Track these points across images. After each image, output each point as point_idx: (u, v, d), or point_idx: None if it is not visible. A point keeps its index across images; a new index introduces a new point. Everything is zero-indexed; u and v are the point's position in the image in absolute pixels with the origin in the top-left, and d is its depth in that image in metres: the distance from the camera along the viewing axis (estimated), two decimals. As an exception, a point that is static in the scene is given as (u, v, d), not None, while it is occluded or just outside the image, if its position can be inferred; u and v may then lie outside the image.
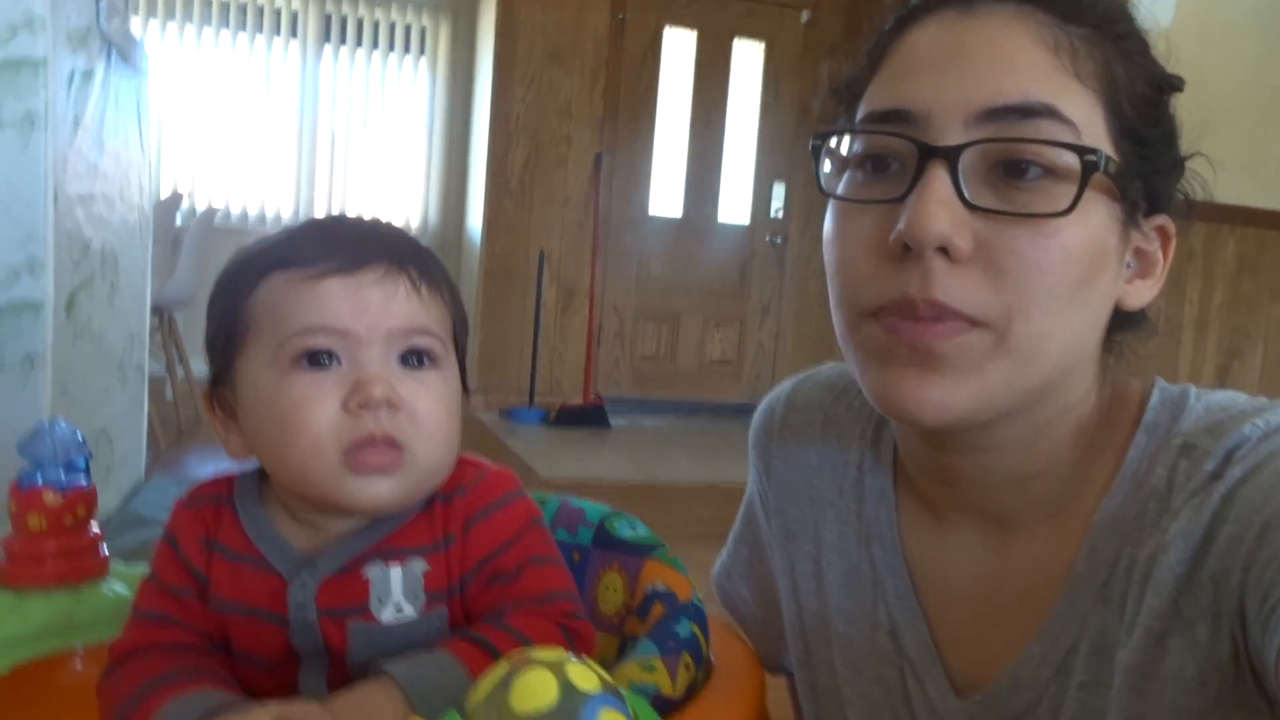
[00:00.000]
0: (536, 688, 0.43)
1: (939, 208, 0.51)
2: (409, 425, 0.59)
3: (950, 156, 0.52)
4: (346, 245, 0.61)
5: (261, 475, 0.65)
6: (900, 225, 0.52)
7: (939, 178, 0.52)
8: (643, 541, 0.77)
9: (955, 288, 0.52)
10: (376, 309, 0.59)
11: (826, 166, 0.60)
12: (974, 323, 0.53)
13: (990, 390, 0.54)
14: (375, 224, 0.65)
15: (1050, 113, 0.52)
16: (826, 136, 0.60)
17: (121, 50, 2.23)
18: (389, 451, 0.58)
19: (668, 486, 3.67)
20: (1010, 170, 0.52)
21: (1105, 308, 0.57)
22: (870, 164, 0.57)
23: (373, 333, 0.59)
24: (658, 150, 5.33)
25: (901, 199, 0.53)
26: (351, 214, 0.68)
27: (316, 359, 0.59)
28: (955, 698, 0.64)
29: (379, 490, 0.59)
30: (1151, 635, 0.53)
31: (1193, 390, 0.60)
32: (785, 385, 0.80)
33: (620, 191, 5.28)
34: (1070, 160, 0.52)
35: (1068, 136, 0.52)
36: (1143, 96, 0.56)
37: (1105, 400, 0.61)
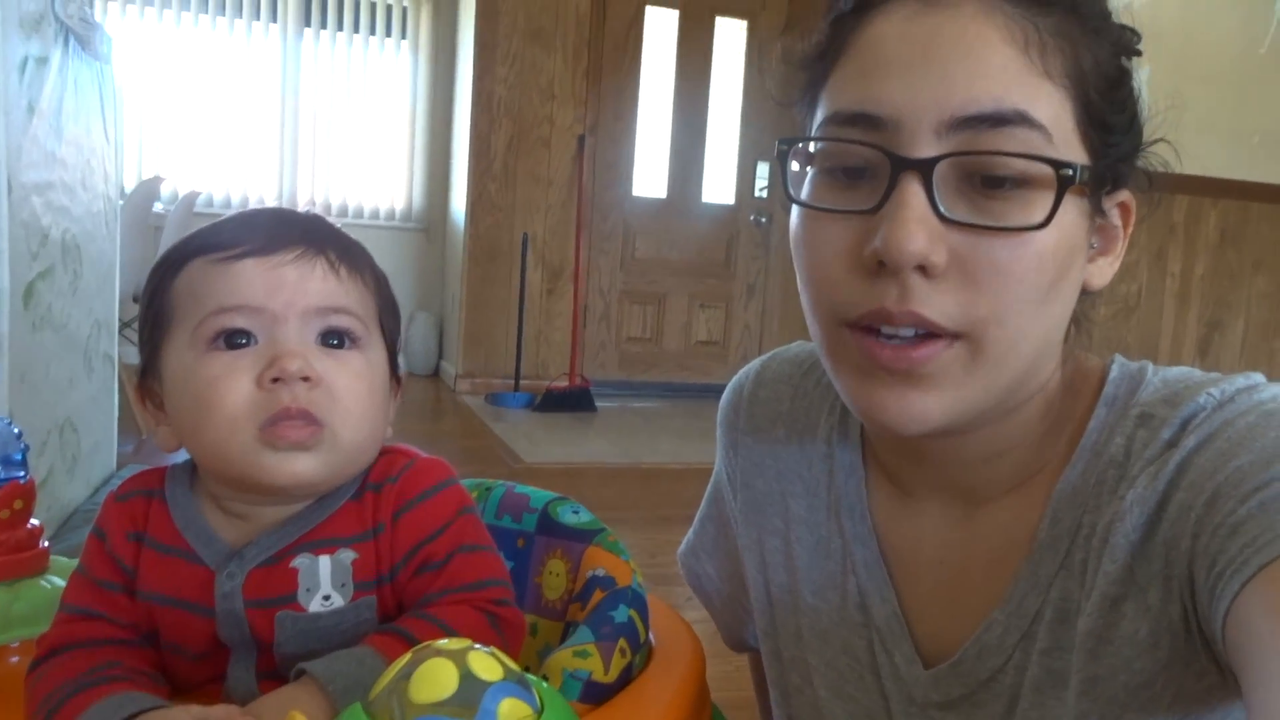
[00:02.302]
0: (437, 677, 0.43)
1: (916, 226, 0.51)
2: (327, 401, 0.59)
3: (924, 170, 0.52)
4: (263, 228, 0.62)
5: (193, 468, 0.65)
6: (877, 243, 0.52)
7: (913, 192, 0.52)
8: (585, 527, 0.76)
9: (932, 301, 0.52)
10: (292, 286, 0.60)
11: (794, 167, 0.59)
12: (951, 337, 0.53)
13: (968, 398, 0.55)
14: (298, 213, 0.65)
15: (1022, 119, 0.51)
16: (794, 143, 0.59)
17: (80, 36, 2.20)
18: (306, 426, 0.58)
19: (652, 469, 3.68)
20: (986, 181, 0.52)
21: (1074, 295, 0.57)
22: (840, 170, 0.56)
23: (288, 309, 0.59)
24: (641, 130, 5.30)
25: (874, 210, 0.53)
26: (283, 206, 0.68)
27: (233, 339, 0.59)
28: (922, 667, 0.64)
29: (298, 467, 0.58)
30: (1107, 600, 0.54)
31: (1150, 366, 0.61)
32: (755, 363, 0.81)
33: (604, 172, 5.25)
34: (1044, 169, 0.52)
35: (1039, 141, 0.52)
36: (1108, 80, 0.55)
37: (1068, 376, 0.62)
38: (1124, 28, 0.58)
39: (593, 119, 5.18)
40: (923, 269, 0.52)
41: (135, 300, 3.67)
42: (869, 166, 0.54)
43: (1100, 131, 0.55)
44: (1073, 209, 0.54)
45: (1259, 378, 0.56)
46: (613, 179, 5.28)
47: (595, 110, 5.18)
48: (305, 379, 0.58)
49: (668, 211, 5.39)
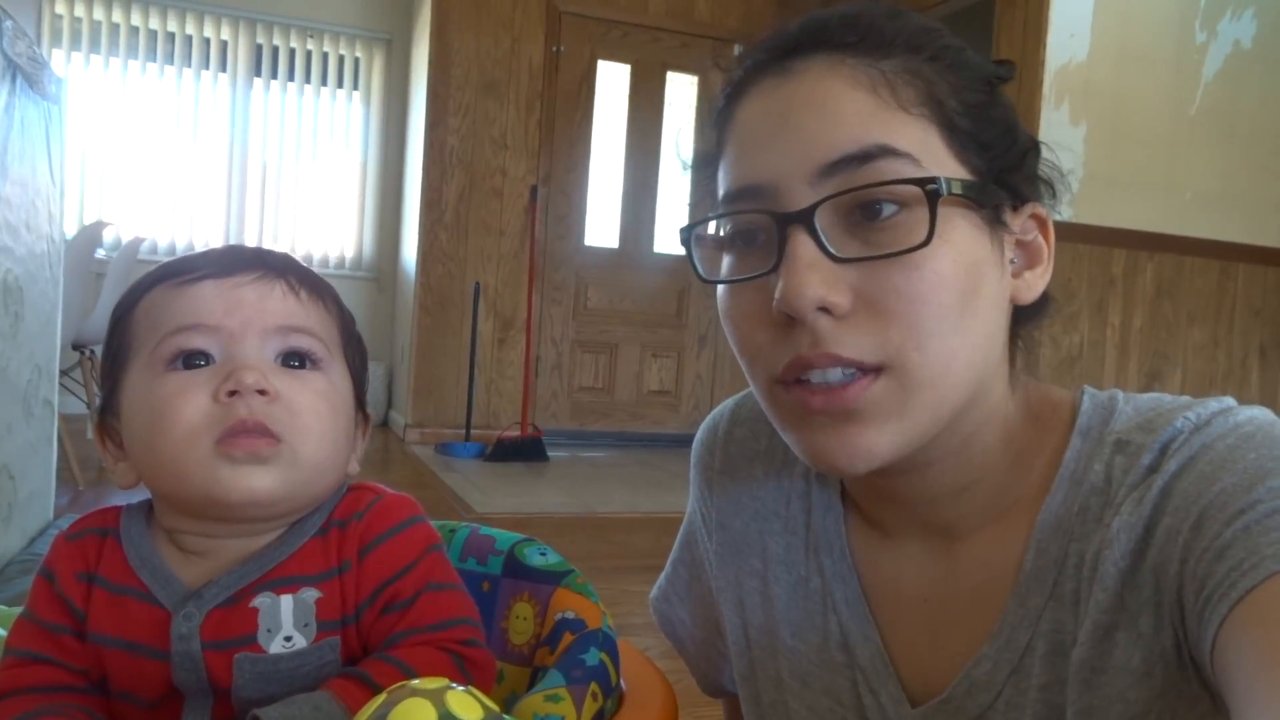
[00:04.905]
0: (414, 717, 0.41)
1: (808, 272, 0.53)
2: (285, 416, 0.58)
3: (804, 219, 0.54)
4: (223, 255, 0.62)
5: (149, 507, 0.63)
6: (776, 296, 0.54)
7: (801, 242, 0.54)
8: (553, 569, 0.75)
9: (845, 340, 0.54)
10: (250, 305, 0.59)
11: (702, 254, 0.62)
12: (875, 371, 0.54)
13: (912, 427, 0.55)
14: (259, 247, 0.65)
15: (885, 151, 0.54)
16: (693, 227, 0.62)
17: (28, 76, 2.16)
18: (262, 438, 0.57)
19: (606, 518, 3.65)
20: (866, 213, 0.54)
21: (999, 311, 0.58)
22: (741, 240, 0.59)
23: (246, 328, 0.59)
24: (593, 181, 5.34)
25: (774, 270, 0.55)
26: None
27: (191, 360, 0.58)
28: (909, 706, 0.63)
29: (255, 482, 0.57)
30: (1100, 629, 0.54)
31: (1120, 394, 0.61)
32: (728, 402, 0.80)
33: (556, 222, 5.28)
34: (914, 190, 0.53)
35: (907, 168, 0.53)
36: (972, 103, 0.57)
37: (1033, 406, 0.62)
38: (991, 61, 0.60)
39: (545, 170, 5.21)
40: (828, 312, 0.53)
41: (74, 348, 3.59)
42: (762, 232, 0.57)
43: (975, 150, 0.56)
44: (962, 224, 0.55)
45: (1231, 401, 0.56)
46: (565, 229, 5.31)
47: (548, 161, 5.22)
48: (262, 393, 0.57)
49: (620, 262, 5.42)
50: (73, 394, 3.74)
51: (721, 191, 0.60)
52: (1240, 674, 0.43)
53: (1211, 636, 0.45)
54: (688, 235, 0.62)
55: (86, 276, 3.77)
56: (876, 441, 0.55)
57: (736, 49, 5.36)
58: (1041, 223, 0.61)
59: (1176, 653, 0.51)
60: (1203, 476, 0.51)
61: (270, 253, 0.64)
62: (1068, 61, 3.52)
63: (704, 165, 0.64)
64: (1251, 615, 0.43)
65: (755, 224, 0.57)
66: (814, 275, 0.53)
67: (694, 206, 0.66)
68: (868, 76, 0.55)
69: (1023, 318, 0.62)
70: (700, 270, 0.61)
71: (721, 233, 0.60)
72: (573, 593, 0.72)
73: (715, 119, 0.63)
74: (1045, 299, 0.62)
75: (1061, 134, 3.50)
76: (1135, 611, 0.52)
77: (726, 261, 0.60)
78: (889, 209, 0.53)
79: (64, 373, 3.19)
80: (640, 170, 5.41)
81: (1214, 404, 0.56)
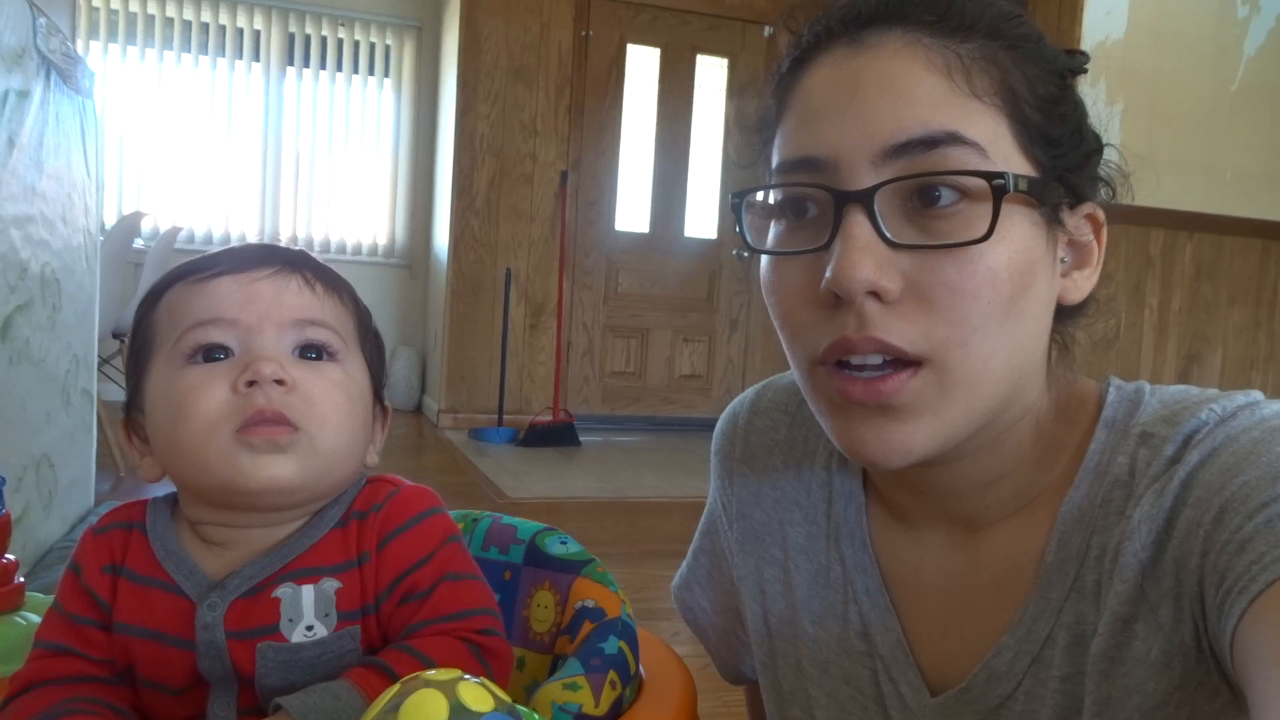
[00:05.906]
0: (426, 709, 0.42)
1: (862, 254, 0.52)
2: (303, 405, 0.59)
3: (864, 200, 0.53)
4: (240, 252, 0.63)
5: (175, 501, 0.64)
6: (828, 274, 0.53)
7: (858, 223, 0.53)
8: (573, 558, 0.75)
9: (891, 327, 0.53)
10: (267, 300, 0.61)
11: (750, 220, 0.61)
12: (916, 364, 0.53)
13: (949, 424, 0.55)
14: (277, 245, 0.66)
15: (954, 139, 0.52)
16: (744, 194, 0.60)
17: (62, 70, 2.20)
18: (280, 426, 0.58)
19: (637, 503, 3.66)
20: (925, 199, 0.53)
21: (1046, 311, 0.58)
22: (791, 212, 0.57)
23: (264, 321, 0.60)
24: (623, 166, 5.34)
25: (826, 246, 0.54)
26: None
27: (210, 354, 0.60)
28: (929, 695, 0.64)
29: (275, 470, 0.58)
30: (1119, 620, 0.53)
31: (1147, 386, 0.61)
32: (749, 392, 0.80)
33: (586, 207, 5.28)
34: (979, 183, 0.52)
35: (974, 158, 0.52)
36: (1045, 97, 0.56)
37: (1061, 399, 0.62)
38: (1065, 51, 0.59)
39: (575, 155, 5.21)
40: (877, 296, 0.53)
41: (114, 336, 3.65)
42: (818, 207, 0.56)
43: (1043, 145, 0.55)
44: (1022, 221, 0.54)
45: (1258, 395, 0.55)
46: (595, 214, 5.31)
47: (578, 146, 5.22)
48: (280, 383, 0.58)
49: (650, 246, 5.41)
50: (114, 382, 3.80)
51: (777, 160, 0.58)
52: (1260, 667, 0.43)
53: (1231, 629, 0.45)
54: (739, 202, 0.60)
55: (125, 266, 3.83)
56: (913, 437, 0.54)
57: (766, 30, 5.32)
58: (1096, 224, 0.60)
59: (1196, 645, 0.51)
60: (1226, 469, 0.50)
61: (286, 249, 0.65)
62: (1104, 39, 3.46)
63: (760, 129, 0.62)
64: (1272, 608, 0.43)
65: (809, 196, 0.56)
66: (868, 258, 0.52)
67: (745, 171, 0.64)
68: (943, 59, 0.54)
69: (1063, 315, 0.61)
70: (749, 239, 0.60)
71: (771, 200, 0.59)
72: (592, 582, 0.73)
73: (777, 82, 0.61)
74: (1088, 298, 0.61)
75: (1097, 113, 3.43)
76: (1155, 603, 0.52)
77: (774, 230, 0.59)
78: (949, 197, 0.52)
79: (105, 360, 3.25)
80: (670, 154, 5.39)
81: (1240, 397, 0.55)
